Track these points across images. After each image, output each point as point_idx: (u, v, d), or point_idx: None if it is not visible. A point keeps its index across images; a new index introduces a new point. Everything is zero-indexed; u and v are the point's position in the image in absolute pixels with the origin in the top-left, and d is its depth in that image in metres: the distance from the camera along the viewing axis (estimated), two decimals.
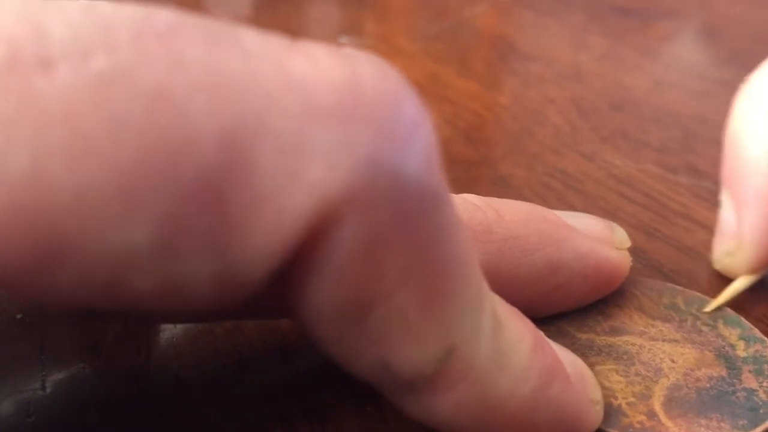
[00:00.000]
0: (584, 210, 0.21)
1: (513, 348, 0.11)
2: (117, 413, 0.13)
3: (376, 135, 0.09)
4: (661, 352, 0.15)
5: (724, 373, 0.15)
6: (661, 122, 0.26)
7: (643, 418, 0.14)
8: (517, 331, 0.12)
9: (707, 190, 0.22)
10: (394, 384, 0.11)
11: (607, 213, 0.21)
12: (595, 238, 0.15)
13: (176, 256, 0.08)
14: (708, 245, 0.19)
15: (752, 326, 0.16)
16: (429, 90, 0.28)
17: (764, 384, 0.15)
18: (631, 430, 0.13)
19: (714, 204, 0.21)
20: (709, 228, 0.20)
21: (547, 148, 0.24)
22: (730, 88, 0.28)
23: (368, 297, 0.10)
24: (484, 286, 0.11)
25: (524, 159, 0.23)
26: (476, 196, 0.15)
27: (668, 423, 0.13)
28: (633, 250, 0.19)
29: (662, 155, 0.24)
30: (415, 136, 0.09)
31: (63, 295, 0.08)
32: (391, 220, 0.09)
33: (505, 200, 0.15)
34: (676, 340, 0.16)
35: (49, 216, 0.07)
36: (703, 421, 0.14)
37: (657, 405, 0.14)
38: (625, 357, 0.15)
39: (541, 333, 0.12)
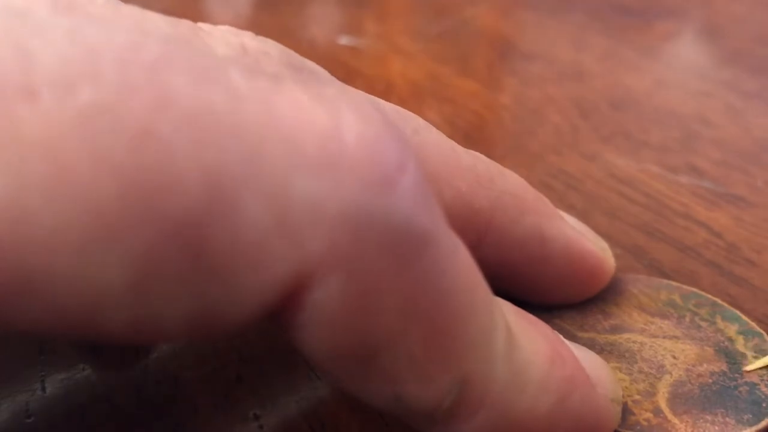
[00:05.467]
0: (585, 210, 0.21)
1: (530, 363, 0.11)
2: (117, 413, 0.13)
3: (360, 183, 0.09)
4: (663, 348, 0.15)
5: (725, 368, 0.15)
6: (661, 122, 0.26)
7: (649, 415, 0.14)
8: (533, 344, 0.11)
9: (707, 190, 0.22)
10: (411, 416, 0.11)
11: (607, 213, 0.21)
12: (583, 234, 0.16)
13: (151, 296, 0.08)
14: (708, 245, 0.19)
15: (749, 321, 0.16)
16: (429, 90, 0.28)
17: (765, 378, 0.15)
18: (638, 427, 0.13)
19: (714, 204, 0.21)
20: (709, 228, 0.20)
21: (548, 148, 0.24)
22: (730, 88, 0.28)
23: (369, 342, 0.09)
24: (494, 304, 0.11)
25: (525, 159, 0.23)
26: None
27: (674, 420, 0.14)
28: (633, 250, 0.19)
29: (662, 155, 0.24)
30: (398, 180, 0.09)
31: (30, 326, 0.08)
32: (381, 266, 0.09)
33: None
34: (676, 337, 0.16)
35: (22, 248, 0.07)
36: (708, 417, 0.14)
37: (662, 402, 0.14)
38: (627, 355, 0.15)
39: (559, 336, 0.12)
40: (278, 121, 0.09)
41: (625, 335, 0.15)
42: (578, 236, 0.15)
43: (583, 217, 0.20)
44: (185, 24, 0.11)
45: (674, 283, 0.17)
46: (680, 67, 0.30)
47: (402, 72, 0.29)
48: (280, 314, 0.09)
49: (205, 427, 0.13)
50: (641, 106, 0.27)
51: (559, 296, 0.16)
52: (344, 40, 0.32)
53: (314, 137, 0.09)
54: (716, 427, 0.13)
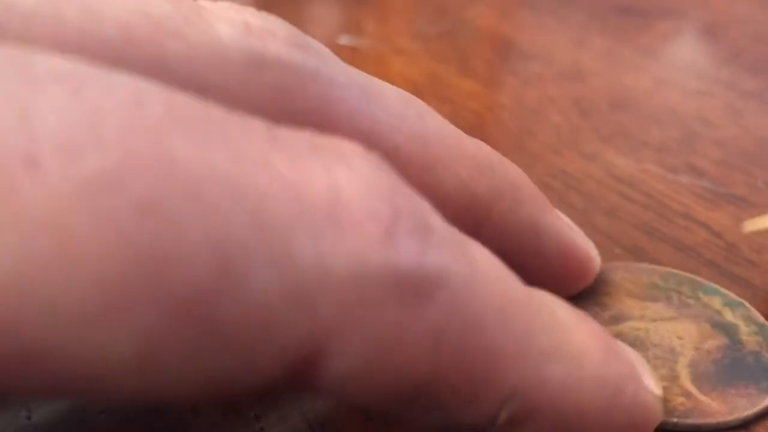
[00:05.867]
0: (585, 210, 0.21)
1: (583, 358, 0.11)
2: (117, 413, 0.13)
3: (359, 240, 0.09)
4: (666, 331, 0.15)
5: (726, 341, 0.15)
6: (661, 122, 0.26)
7: (682, 399, 0.14)
8: (585, 338, 0.11)
9: (707, 190, 0.22)
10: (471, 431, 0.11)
11: (607, 213, 0.21)
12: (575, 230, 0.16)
13: (159, 368, 0.08)
14: (708, 245, 0.19)
15: (727, 292, 0.17)
16: (429, 90, 0.28)
17: (763, 345, 0.15)
18: (677, 413, 0.14)
19: (714, 204, 0.21)
20: (709, 228, 0.20)
21: (548, 148, 0.24)
22: (730, 87, 0.28)
23: (404, 391, 0.09)
24: (533, 302, 0.11)
25: (524, 158, 0.23)
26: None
27: (705, 399, 0.14)
28: (633, 250, 0.19)
29: (662, 155, 0.24)
30: (395, 231, 0.09)
31: (31, 392, 0.08)
32: (396, 319, 0.09)
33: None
34: (673, 318, 0.16)
35: (24, 322, 0.07)
36: (732, 390, 0.14)
37: (687, 384, 0.14)
38: (637, 343, 0.15)
39: (606, 331, 0.12)
40: (279, 182, 0.08)
41: (628, 324, 0.16)
42: (570, 232, 0.15)
43: (583, 217, 0.20)
44: (186, 2, 0.11)
45: (649, 265, 0.17)
46: (680, 67, 0.30)
47: (402, 72, 0.29)
48: (302, 378, 0.09)
49: (205, 428, 0.13)
50: (641, 106, 0.27)
51: (547, 290, 0.16)
52: (344, 40, 0.32)
53: (313, 197, 0.08)
54: (744, 400, 0.14)
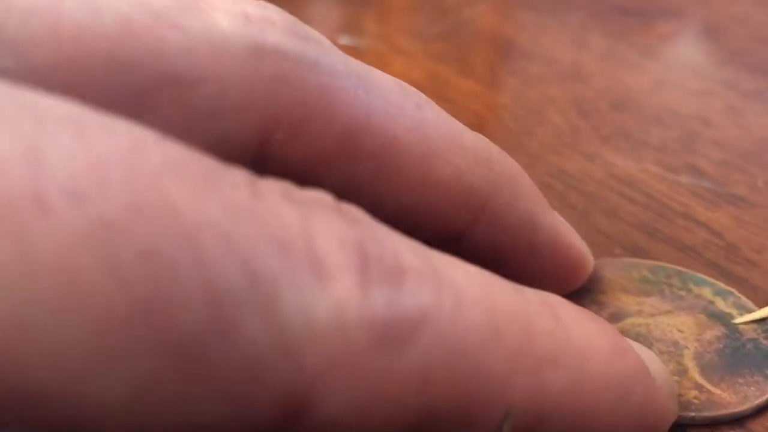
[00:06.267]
0: (585, 210, 0.21)
1: (587, 359, 0.11)
2: None
3: (338, 288, 0.09)
4: (666, 325, 0.15)
5: (724, 330, 0.15)
6: (661, 122, 0.26)
7: (695, 392, 0.14)
8: (589, 337, 0.11)
9: (707, 190, 0.22)
10: None
11: (608, 213, 0.21)
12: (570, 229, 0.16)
13: (152, 411, 0.08)
14: (708, 245, 0.19)
15: (714, 281, 0.17)
16: (429, 90, 0.28)
17: (759, 331, 0.15)
18: (693, 407, 0.14)
19: (714, 204, 0.21)
20: (709, 228, 0.20)
21: (548, 148, 0.24)
22: (730, 88, 0.28)
23: (401, 426, 0.09)
24: (523, 302, 0.11)
25: (525, 159, 0.23)
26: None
27: (716, 390, 0.14)
28: (633, 250, 0.19)
29: (662, 155, 0.24)
30: (368, 279, 0.09)
31: (24, 428, 0.08)
32: (383, 363, 0.09)
33: None
34: (669, 311, 0.16)
35: (25, 362, 0.07)
36: (740, 380, 0.14)
37: (697, 377, 0.14)
38: (641, 339, 0.15)
39: (615, 329, 0.12)
40: (265, 233, 0.08)
41: (628, 320, 0.16)
42: (566, 230, 0.15)
43: (583, 217, 0.20)
44: None
45: (636, 260, 0.17)
46: (680, 67, 0.30)
47: (402, 72, 0.29)
48: (292, 423, 0.09)
49: None
50: (641, 106, 0.27)
51: (538, 287, 0.16)
52: (344, 40, 0.32)
53: (294, 249, 0.09)
54: (753, 388, 0.14)
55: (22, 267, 0.07)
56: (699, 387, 0.14)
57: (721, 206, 0.21)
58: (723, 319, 0.16)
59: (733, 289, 0.17)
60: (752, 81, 0.29)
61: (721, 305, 0.16)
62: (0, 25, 0.10)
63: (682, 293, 0.16)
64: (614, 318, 0.16)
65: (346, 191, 0.13)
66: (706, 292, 0.16)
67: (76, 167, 0.08)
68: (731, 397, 0.14)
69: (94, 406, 0.08)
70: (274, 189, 0.09)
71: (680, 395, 0.14)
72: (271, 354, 0.08)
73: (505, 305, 0.10)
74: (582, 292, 0.16)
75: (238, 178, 0.09)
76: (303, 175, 0.13)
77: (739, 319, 0.16)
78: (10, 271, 0.07)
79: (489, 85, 0.29)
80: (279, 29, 0.12)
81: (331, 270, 0.09)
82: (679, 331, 0.15)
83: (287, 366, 0.08)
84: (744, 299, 0.16)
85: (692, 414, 0.13)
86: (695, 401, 0.14)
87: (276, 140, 0.12)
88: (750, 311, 0.16)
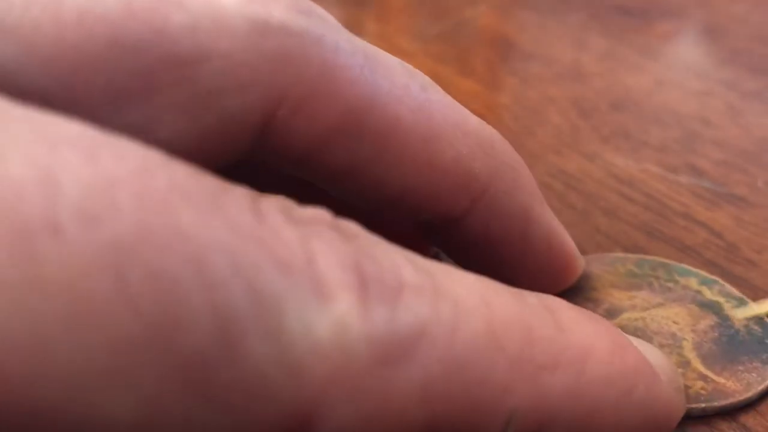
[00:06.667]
0: (585, 210, 0.21)
1: (587, 359, 0.11)
2: None
3: (340, 311, 0.09)
4: (661, 318, 0.16)
5: (716, 319, 0.16)
6: (661, 122, 0.26)
7: (701, 383, 0.14)
8: (589, 337, 0.11)
9: (707, 190, 0.22)
10: None
11: (608, 213, 0.21)
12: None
13: (155, 429, 0.08)
14: (708, 245, 0.19)
15: (698, 270, 0.17)
16: None
17: (748, 317, 0.15)
18: (701, 398, 0.14)
19: (714, 204, 0.21)
20: (709, 228, 0.20)
21: (548, 148, 0.24)
22: (730, 88, 0.28)
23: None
24: (524, 307, 0.11)
25: (525, 159, 0.23)
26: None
27: (720, 380, 0.14)
28: (633, 250, 0.19)
29: (662, 155, 0.24)
30: (367, 297, 0.09)
31: None
32: (385, 378, 0.09)
33: None
34: (661, 304, 0.16)
35: (36, 381, 0.07)
36: (740, 367, 0.14)
37: (700, 367, 0.14)
38: (639, 334, 0.15)
39: (617, 328, 0.12)
40: (269, 254, 0.09)
41: (624, 316, 0.16)
42: (560, 228, 0.15)
43: (583, 217, 0.20)
44: None
45: (620, 254, 0.18)
46: (680, 67, 0.30)
47: None
48: None
49: None
50: (641, 106, 0.27)
51: (529, 285, 0.16)
52: None
53: (296, 270, 0.09)
54: (753, 374, 0.14)
55: (35, 287, 0.07)
56: (704, 377, 0.14)
57: (721, 206, 0.21)
58: (713, 308, 0.16)
59: (716, 278, 0.17)
60: (752, 81, 0.29)
61: (708, 294, 0.16)
62: (2, 14, 0.10)
63: (670, 285, 0.16)
64: (610, 314, 0.16)
65: (347, 170, 0.13)
66: (692, 282, 0.16)
67: (88, 191, 0.08)
68: (735, 385, 0.14)
69: (102, 425, 0.08)
70: (275, 208, 0.09)
71: (687, 387, 0.14)
72: (275, 372, 0.08)
73: (504, 313, 0.10)
74: (574, 290, 0.16)
75: (240, 198, 0.09)
76: (306, 153, 0.13)
77: (740, 315, 0.16)
78: (22, 291, 0.07)
79: (489, 85, 0.29)
80: (283, 5, 0.12)
81: (331, 289, 0.09)
82: (674, 322, 0.15)
83: (291, 383, 0.08)
84: (728, 287, 0.16)
85: (703, 405, 0.14)
86: (702, 392, 0.14)
87: (279, 117, 0.12)
88: (735, 298, 0.16)
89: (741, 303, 0.16)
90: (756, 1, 0.36)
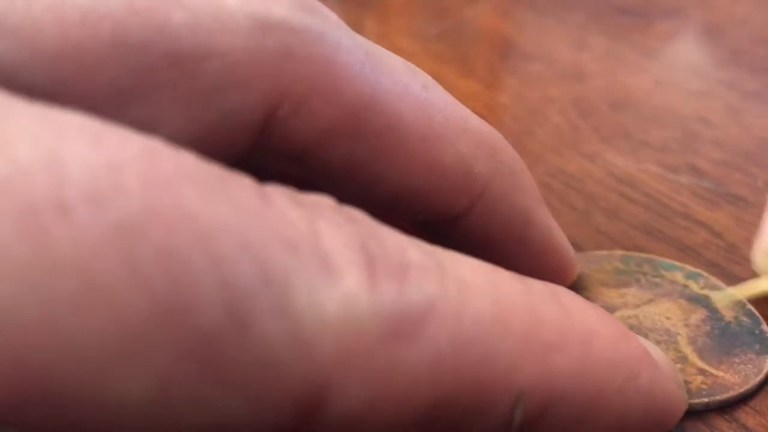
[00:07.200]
0: (585, 210, 0.21)
1: (592, 343, 0.11)
2: None
3: (346, 285, 0.09)
4: (653, 314, 0.16)
5: (707, 312, 0.16)
6: (661, 122, 0.26)
7: (701, 377, 0.14)
8: (593, 321, 0.11)
9: (707, 190, 0.22)
10: None
11: (608, 213, 0.21)
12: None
13: (169, 410, 0.08)
14: (708, 245, 0.19)
15: (682, 264, 0.17)
16: None
17: (737, 310, 0.15)
18: (704, 393, 0.14)
19: (714, 204, 0.21)
20: (709, 228, 0.20)
21: (548, 148, 0.24)
22: (730, 88, 0.28)
23: (407, 423, 0.10)
24: (529, 293, 0.11)
25: (525, 159, 0.23)
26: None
27: (719, 373, 0.14)
28: (633, 250, 0.19)
29: (663, 155, 0.24)
30: (375, 277, 0.09)
31: (41, 428, 0.08)
32: (393, 357, 0.09)
33: None
34: (651, 300, 0.16)
35: (48, 361, 0.07)
36: (735, 359, 0.14)
37: (698, 362, 0.14)
38: (635, 331, 0.15)
39: (620, 322, 0.12)
40: (276, 233, 0.09)
41: (617, 314, 0.16)
42: (558, 230, 0.15)
43: (583, 217, 0.20)
44: None
45: (604, 252, 0.18)
46: (680, 67, 0.30)
47: None
48: (308, 420, 0.09)
49: None
50: (641, 106, 0.27)
51: None
52: None
53: (303, 248, 0.09)
54: (749, 366, 0.14)
55: (46, 267, 0.07)
56: (703, 372, 0.14)
57: (721, 206, 0.21)
58: (701, 301, 0.16)
59: (700, 270, 0.17)
60: (752, 81, 0.29)
61: (695, 287, 0.16)
62: (3, 13, 0.10)
63: (657, 280, 0.16)
64: None
65: (347, 168, 0.13)
66: (678, 277, 0.17)
67: (95, 173, 0.08)
68: (734, 378, 0.14)
69: (114, 405, 0.08)
70: (280, 192, 0.09)
71: (689, 382, 0.14)
72: (286, 349, 0.08)
73: (510, 294, 0.10)
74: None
75: (246, 183, 0.09)
76: (306, 151, 0.13)
77: (723, 302, 0.16)
78: (34, 271, 0.07)
79: (489, 85, 0.29)
80: (284, 2, 0.12)
81: (339, 266, 0.09)
82: (667, 318, 0.15)
83: (302, 360, 0.08)
84: (713, 279, 0.16)
85: (706, 400, 0.14)
86: (703, 386, 0.14)
87: (281, 115, 0.12)
88: (722, 290, 0.16)
89: (727, 295, 0.16)
90: (756, 1, 0.36)
